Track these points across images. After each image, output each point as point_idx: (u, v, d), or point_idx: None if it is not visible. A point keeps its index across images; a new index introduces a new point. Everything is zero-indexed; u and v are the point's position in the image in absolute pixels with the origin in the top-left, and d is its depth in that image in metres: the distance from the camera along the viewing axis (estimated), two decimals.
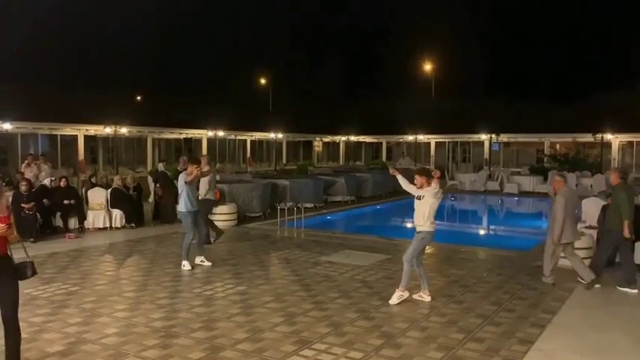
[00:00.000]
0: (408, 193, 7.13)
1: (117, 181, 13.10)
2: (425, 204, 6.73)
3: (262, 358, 4.98)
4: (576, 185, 20.19)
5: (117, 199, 12.50)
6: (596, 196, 12.49)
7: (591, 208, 10.65)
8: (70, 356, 5.02)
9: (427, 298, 6.82)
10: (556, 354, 5.17)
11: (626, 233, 7.35)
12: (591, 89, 33.88)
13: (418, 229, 6.82)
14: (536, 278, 8.01)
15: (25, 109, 18.09)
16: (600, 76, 38.98)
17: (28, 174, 13.97)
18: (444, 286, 7.56)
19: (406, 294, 6.77)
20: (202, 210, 10.08)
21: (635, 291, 7.31)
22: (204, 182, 10.39)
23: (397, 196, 17.60)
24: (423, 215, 6.74)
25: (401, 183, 7.29)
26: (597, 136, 25.29)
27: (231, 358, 5.00)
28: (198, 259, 8.70)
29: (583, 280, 7.52)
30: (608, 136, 25.61)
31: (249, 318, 6.10)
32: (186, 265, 8.50)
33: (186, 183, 8.63)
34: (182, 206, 8.63)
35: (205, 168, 10.46)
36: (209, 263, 8.69)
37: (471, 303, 6.75)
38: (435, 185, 6.74)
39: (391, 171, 7.73)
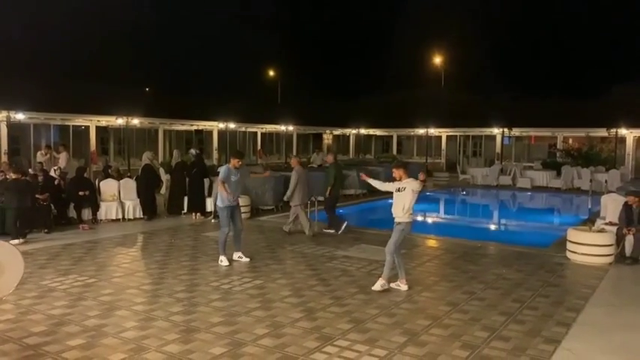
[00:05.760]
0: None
1: (145, 159, 13.20)
2: (405, 196, 6.88)
3: (285, 355, 4.89)
4: (590, 181, 19.92)
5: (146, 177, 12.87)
6: (614, 192, 12.31)
7: (611, 205, 10.48)
8: (91, 350, 4.96)
9: (404, 287, 6.95)
10: (586, 355, 5.06)
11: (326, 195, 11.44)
12: (606, 83, 33.48)
13: (397, 220, 6.98)
14: (557, 275, 7.91)
15: (38, 100, 18.08)
16: (615, 70, 38.54)
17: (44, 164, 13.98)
18: (464, 283, 7.44)
19: (387, 285, 6.94)
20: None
21: None
22: None
23: None
24: (402, 207, 6.90)
25: (376, 185, 7.56)
26: (612, 130, 24.95)
27: (253, 353, 4.92)
28: (235, 255, 8.46)
29: (305, 231, 10.72)
30: (623, 131, 25.25)
31: (268, 313, 6.02)
32: (223, 261, 8.24)
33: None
34: (219, 200, 8.45)
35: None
36: (247, 259, 8.43)
37: (493, 300, 6.64)
38: (418, 184, 6.92)
39: (362, 177, 8.13)
